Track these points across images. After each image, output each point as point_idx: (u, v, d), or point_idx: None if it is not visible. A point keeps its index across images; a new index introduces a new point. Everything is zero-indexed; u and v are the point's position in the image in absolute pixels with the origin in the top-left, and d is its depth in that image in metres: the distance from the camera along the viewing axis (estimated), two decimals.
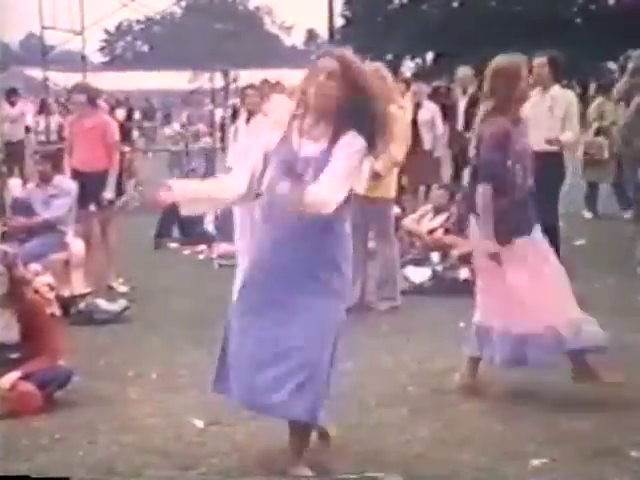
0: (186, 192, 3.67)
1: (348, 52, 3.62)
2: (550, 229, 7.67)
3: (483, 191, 4.62)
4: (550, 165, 7.19)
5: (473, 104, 9.50)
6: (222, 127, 15.18)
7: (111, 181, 7.77)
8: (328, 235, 3.61)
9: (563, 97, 7.43)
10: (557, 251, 7.68)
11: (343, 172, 3.49)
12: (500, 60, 4.84)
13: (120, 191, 8.78)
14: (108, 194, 7.73)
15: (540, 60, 7.33)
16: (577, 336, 4.54)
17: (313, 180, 3.48)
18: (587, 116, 10.82)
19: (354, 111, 3.49)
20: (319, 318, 3.57)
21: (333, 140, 3.51)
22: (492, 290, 4.71)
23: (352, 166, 3.53)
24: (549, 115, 7.29)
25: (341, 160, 3.48)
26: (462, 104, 10.15)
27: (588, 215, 10.78)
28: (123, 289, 7.67)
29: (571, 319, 4.57)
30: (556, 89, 7.43)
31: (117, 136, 7.95)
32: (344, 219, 3.68)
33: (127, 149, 13.42)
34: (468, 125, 9.50)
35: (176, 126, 16.37)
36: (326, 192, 3.45)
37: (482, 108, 4.80)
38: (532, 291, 4.56)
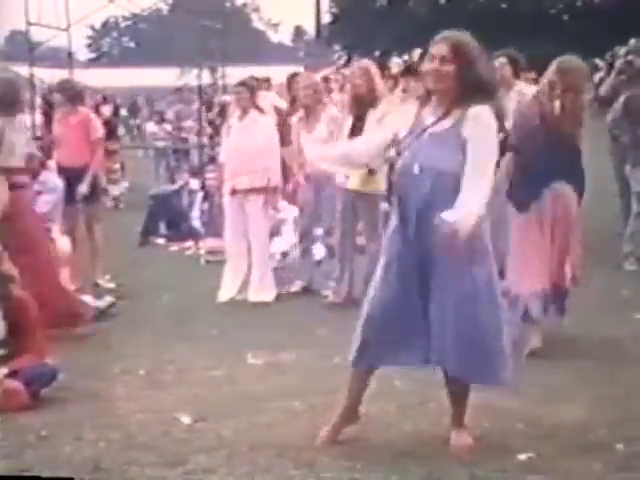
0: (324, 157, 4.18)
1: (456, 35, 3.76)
2: None
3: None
4: None
5: None
6: (210, 123, 15.14)
7: (89, 177, 7.74)
8: None
9: (528, 92, 7.56)
10: None
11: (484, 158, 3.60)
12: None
13: (103, 188, 8.73)
14: (83, 189, 7.70)
15: (500, 60, 7.52)
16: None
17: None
18: None
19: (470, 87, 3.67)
20: None
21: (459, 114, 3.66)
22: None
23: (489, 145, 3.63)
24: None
25: (478, 145, 3.60)
26: None
27: None
28: (109, 286, 7.65)
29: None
30: (520, 85, 7.57)
31: (100, 133, 7.92)
32: None
33: (116, 146, 13.41)
34: None
35: (167, 125, 16.33)
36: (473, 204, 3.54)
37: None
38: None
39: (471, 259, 3.65)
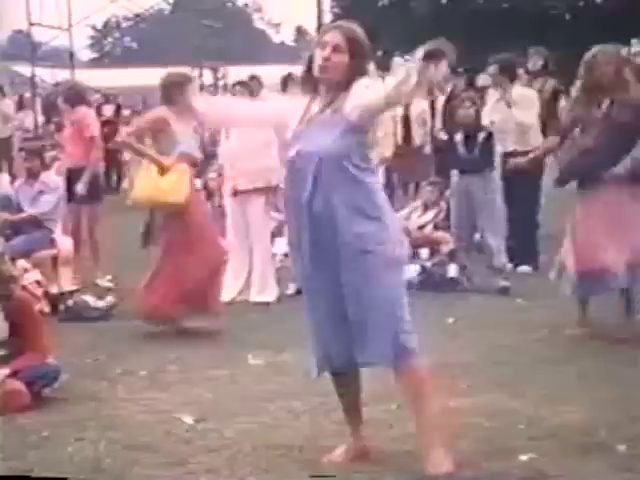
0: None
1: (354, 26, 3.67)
2: (530, 224, 7.78)
3: None
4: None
5: (450, 101, 9.54)
6: None
7: (86, 176, 7.74)
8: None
9: (522, 95, 7.61)
10: (534, 244, 7.77)
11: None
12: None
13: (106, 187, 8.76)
14: (80, 188, 7.70)
15: (492, 69, 7.56)
16: None
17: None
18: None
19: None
20: None
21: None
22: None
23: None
24: (509, 114, 7.46)
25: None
26: (440, 101, 10.14)
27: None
28: (107, 285, 7.65)
29: None
30: (516, 90, 7.58)
31: (94, 131, 7.92)
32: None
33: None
34: (445, 122, 9.49)
35: None
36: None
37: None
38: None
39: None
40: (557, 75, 8.82)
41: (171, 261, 6.12)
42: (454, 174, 8.25)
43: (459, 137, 7.22)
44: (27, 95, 17.38)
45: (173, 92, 5.92)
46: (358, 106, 3.44)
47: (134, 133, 6.27)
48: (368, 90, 3.47)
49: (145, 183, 6.19)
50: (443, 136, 9.41)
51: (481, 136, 7.10)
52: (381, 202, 3.58)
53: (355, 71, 3.54)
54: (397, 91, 3.30)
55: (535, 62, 8.47)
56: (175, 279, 6.07)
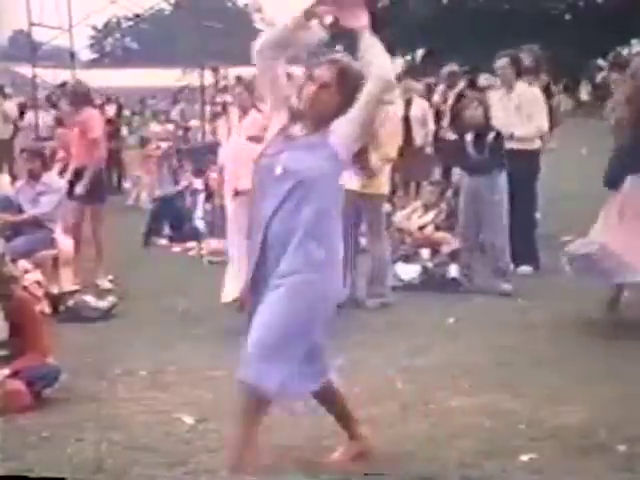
0: None
1: (346, 59, 3.61)
2: (527, 223, 7.77)
3: None
4: (525, 162, 7.33)
5: (458, 101, 9.55)
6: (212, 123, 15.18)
7: (87, 177, 7.74)
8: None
9: (529, 94, 7.59)
10: (533, 244, 7.77)
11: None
12: None
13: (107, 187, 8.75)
14: (79, 189, 7.70)
15: (502, 62, 7.54)
16: None
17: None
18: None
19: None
20: None
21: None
22: None
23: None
24: (517, 113, 7.45)
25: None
26: (449, 101, 10.15)
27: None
28: (107, 286, 7.64)
29: None
30: (521, 87, 7.58)
31: (98, 132, 7.92)
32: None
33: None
34: (454, 122, 9.51)
35: (170, 125, 16.35)
36: None
37: None
38: None
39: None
40: (552, 73, 8.84)
41: None
42: (456, 173, 8.25)
43: (469, 137, 7.21)
44: (29, 96, 17.41)
45: None
46: (341, 138, 3.44)
47: None
48: (345, 120, 3.44)
49: None
50: (451, 136, 9.42)
51: (490, 136, 7.08)
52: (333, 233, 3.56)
53: (343, 106, 3.46)
54: (366, 109, 3.39)
55: (525, 59, 8.47)
56: None
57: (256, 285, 3.56)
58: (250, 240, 3.61)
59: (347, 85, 3.49)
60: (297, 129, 3.56)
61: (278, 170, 3.46)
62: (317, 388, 3.65)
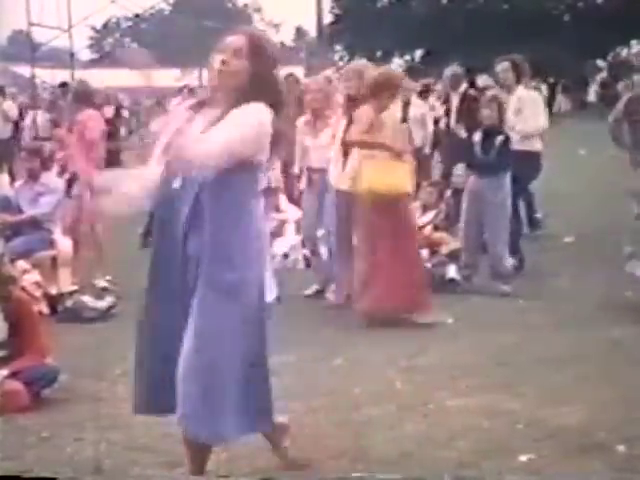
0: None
1: (256, 30, 3.43)
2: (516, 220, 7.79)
3: None
4: (527, 162, 7.36)
5: (464, 101, 9.54)
6: None
7: (83, 178, 7.73)
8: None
9: (528, 97, 7.62)
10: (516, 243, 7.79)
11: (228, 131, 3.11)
12: None
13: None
14: (76, 189, 7.69)
15: (503, 65, 7.55)
16: None
17: None
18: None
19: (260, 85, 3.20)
20: None
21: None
22: None
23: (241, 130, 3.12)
24: (518, 116, 7.46)
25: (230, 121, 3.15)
26: (454, 102, 10.12)
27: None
28: (107, 285, 7.63)
29: None
30: (521, 90, 7.60)
31: (97, 133, 7.92)
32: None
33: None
34: (459, 122, 9.51)
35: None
36: (205, 144, 3.04)
37: None
38: None
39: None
40: (553, 73, 8.87)
41: (387, 252, 6.22)
42: (456, 174, 8.24)
43: (477, 137, 7.19)
44: (28, 96, 17.41)
45: None
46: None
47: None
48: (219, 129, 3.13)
49: (380, 172, 6.24)
50: (463, 134, 9.39)
51: (499, 139, 7.06)
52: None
53: (256, 82, 3.19)
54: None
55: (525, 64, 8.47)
56: (393, 271, 6.19)
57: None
58: None
59: (261, 55, 3.23)
60: (199, 117, 3.27)
61: (176, 183, 3.21)
62: (254, 433, 3.43)
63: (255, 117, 3.16)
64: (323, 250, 7.58)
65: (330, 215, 6.99)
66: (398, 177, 6.26)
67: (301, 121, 7.35)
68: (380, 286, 6.19)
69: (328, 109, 7.20)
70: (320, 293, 7.16)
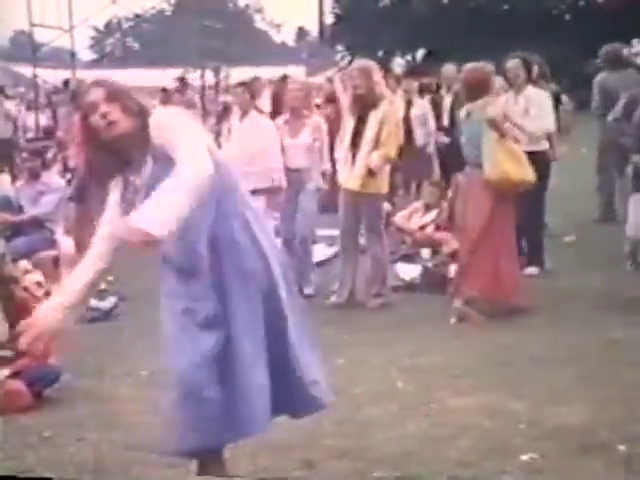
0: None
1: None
2: (536, 224, 7.75)
3: None
4: (534, 163, 7.30)
5: (457, 101, 9.53)
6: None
7: (76, 177, 7.72)
8: None
9: (537, 97, 7.55)
10: (540, 246, 7.74)
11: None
12: None
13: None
14: (73, 189, 7.69)
15: (514, 62, 7.48)
16: None
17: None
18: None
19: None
20: None
21: None
22: None
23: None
24: (525, 116, 7.40)
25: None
26: (447, 101, 10.13)
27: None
28: (105, 287, 7.62)
29: None
30: (529, 89, 7.53)
31: None
32: None
33: None
34: (453, 122, 9.50)
35: None
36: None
37: None
38: None
39: None
40: (553, 73, 8.84)
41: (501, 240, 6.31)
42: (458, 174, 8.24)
43: None
44: (30, 96, 17.40)
45: None
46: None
47: None
48: None
49: (515, 160, 6.29)
50: (445, 139, 9.45)
51: None
52: None
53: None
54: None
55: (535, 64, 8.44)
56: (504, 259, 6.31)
57: None
58: None
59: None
60: None
61: None
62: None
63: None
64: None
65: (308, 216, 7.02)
66: (527, 166, 6.36)
67: (279, 121, 7.36)
68: (492, 274, 6.27)
69: (307, 109, 7.22)
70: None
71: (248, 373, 3.23)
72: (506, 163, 6.20)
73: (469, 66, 6.64)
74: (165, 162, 3.01)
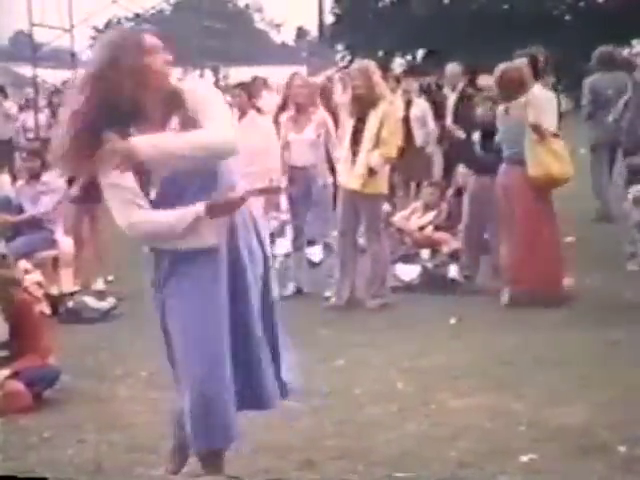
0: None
1: None
2: None
3: None
4: None
5: (462, 100, 9.51)
6: None
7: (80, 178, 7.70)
8: None
9: (540, 96, 7.51)
10: None
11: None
12: None
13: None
14: (72, 190, 7.68)
15: (521, 60, 7.44)
16: None
17: None
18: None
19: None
20: None
21: None
22: None
23: None
24: (527, 113, 7.37)
25: None
26: (451, 100, 10.12)
27: None
28: (102, 287, 7.63)
29: None
30: (536, 89, 7.48)
31: None
32: None
33: None
34: (457, 121, 9.49)
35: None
36: None
37: None
38: None
39: None
40: (554, 73, 8.82)
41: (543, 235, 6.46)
42: (459, 173, 8.22)
43: (477, 137, 7.18)
44: (30, 96, 17.41)
45: None
46: None
47: None
48: None
49: (557, 158, 6.43)
50: (462, 135, 9.37)
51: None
52: None
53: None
54: None
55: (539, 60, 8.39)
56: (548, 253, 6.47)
57: None
58: None
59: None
60: None
61: None
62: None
63: None
64: (317, 249, 7.54)
65: (319, 215, 7.01)
66: (569, 163, 6.49)
67: (284, 116, 7.35)
68: (538, 268, 6.39)
69: (312, 105, 7.22)
70: (299, 293, 7.16)
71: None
72: (549, 161, 6.41)
73: (502, 66, 6.76)
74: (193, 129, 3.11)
